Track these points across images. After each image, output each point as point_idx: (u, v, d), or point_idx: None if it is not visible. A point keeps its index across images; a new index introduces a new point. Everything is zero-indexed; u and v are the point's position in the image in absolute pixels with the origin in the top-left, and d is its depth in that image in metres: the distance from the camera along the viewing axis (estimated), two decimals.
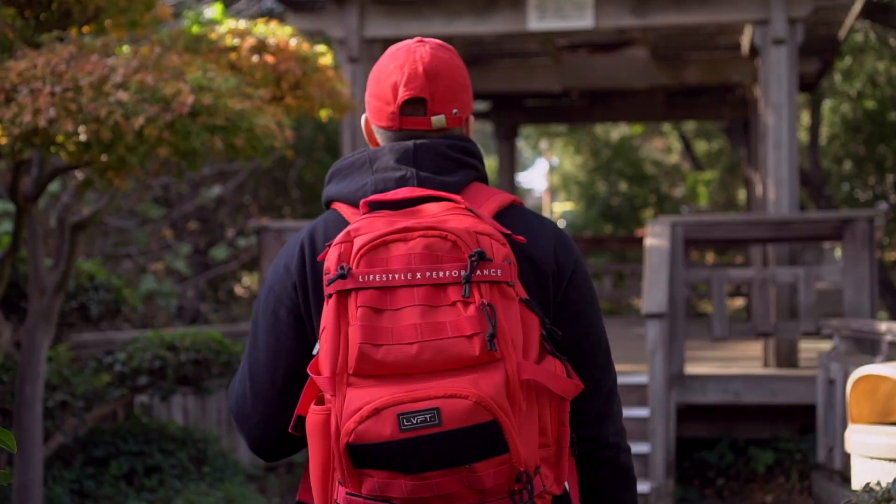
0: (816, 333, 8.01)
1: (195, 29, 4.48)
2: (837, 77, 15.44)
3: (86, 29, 4.50)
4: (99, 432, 5.96)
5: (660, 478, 7.30)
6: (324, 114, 4.90)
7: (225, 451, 6.26)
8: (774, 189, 8.52)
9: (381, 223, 1.66)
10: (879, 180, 15.06)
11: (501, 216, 1.79)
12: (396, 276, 1.62)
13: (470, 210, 1.70)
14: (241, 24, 4.64)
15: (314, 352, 1.71)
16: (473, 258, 1.62)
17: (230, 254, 11.58)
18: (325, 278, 1.64)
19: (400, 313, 1.60)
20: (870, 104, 14.57)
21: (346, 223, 1.77)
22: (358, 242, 1.64)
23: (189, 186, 12.55)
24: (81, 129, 3.65)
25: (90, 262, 6.08)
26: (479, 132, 25.10)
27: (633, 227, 19.98)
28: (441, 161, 1.79)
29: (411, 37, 1.87)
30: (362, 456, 1.57)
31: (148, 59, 3.80)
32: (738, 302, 16.10)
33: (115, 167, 3.81)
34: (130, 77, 3.66)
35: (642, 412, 7.63)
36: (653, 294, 7.40)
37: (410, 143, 1.79)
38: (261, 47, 4.50)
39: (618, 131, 22.90)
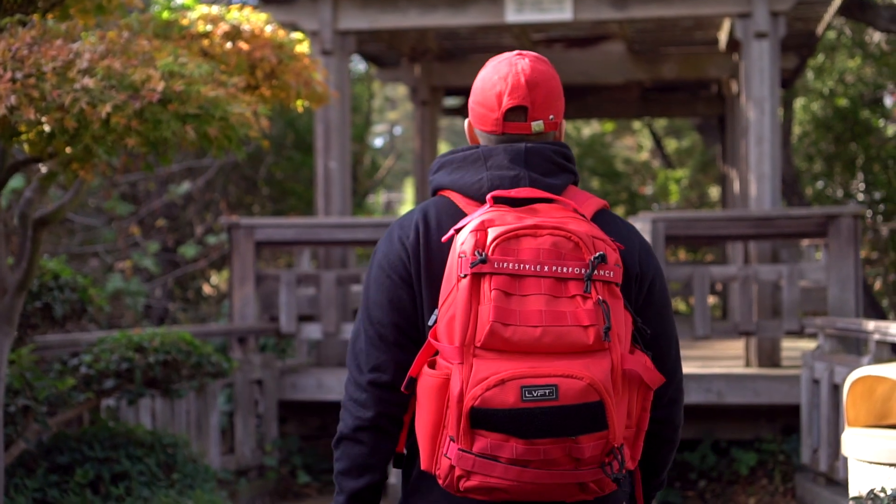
0: (800, 332, 7.87)
1: (165, 14, 4.25)
2: (810, 75, 15.36)
3: (50, 16, 4.27)
4: (64, 438, 5.71)
5: None
6: (300, 104, 4.68)
7: (195, 455, 6.03)
8: (756, 185, 8.37)
9: (511, 217, 1.90)
10: (850, 179, 15.00)
11: (597, 219, 2.03)
12: (527, 266, 1.85)
13: (581, 214, 1.94)
14: (214, 9, 4.41)
15: (430, 322, 1.93)
16: (595, 260, 1.86)
17: (199, 252, 11.32)
18: (462, 262, 1.86)
19: (527, 299, 1.84)
20: (842, 102, 14.51)
21: (460, 210, 2.00)
22: (493, 233, 1.87)
23: (157, 183, 12.28)
24: (44, 117, 3.41)
25: (55, 261, 5.82)
26: (449, 129, 24.91)
27: None
28: (547, 164, 2.02)
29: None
30: (483, 418, 1.81)
31: (115, 44, 3.57)
32: (711, 300, 16.00)
33: (80, 158, 3.57)
34: (97, 63, 3.43)
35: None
36: None
37: (522, 145, 2.01)
38: (234, 34, 4.28)
39: (589, 129, 22.80)
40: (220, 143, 3.60)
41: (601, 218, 2.04)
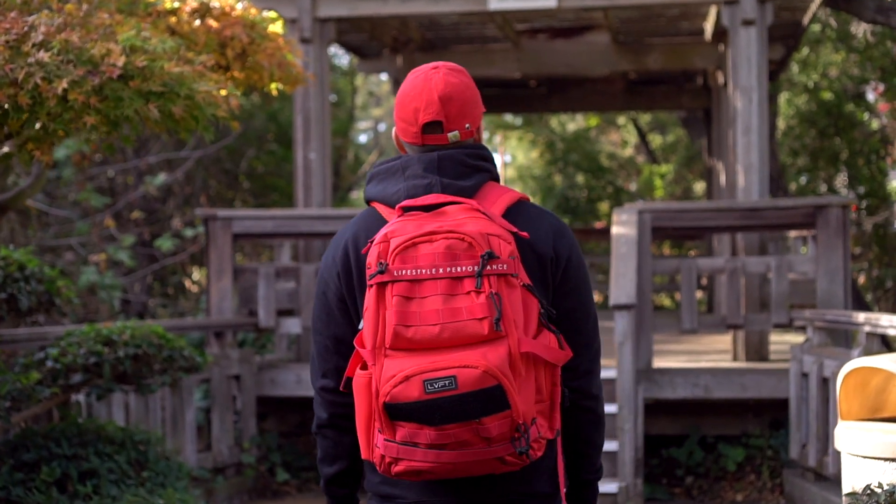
0: (788, 325, 7.73)
1: None
2: (794, 69, 15.24)
3: None
4: (31, 434, 5.51)
5: (628, 477, 6.98)
6: (274, 87, 4.50)
7: (168, 452, 5.84)
8: (743, 176, 8.22)
9: (411, 226, 2.07)
10: (834, 173, 14.89)
11: (509, 213, 2.18)
12: (423, 270, 2.04)
13: (483, 213, 2.10)
14: None
15: (360, 327, 2.12)
16: (484, 257, 2.03)
17: (176, 245, 11.10)
18: (368, 272, 2.07)
19: (426, 300, 2.03)
20: (827, 95, 14.39)
21: (384, 220, 2.18)
22: (393, 243, 2.06)
23: (135, 176, 12.07)
24: None
25: (21, 251, 5.62)
26: None
27: (589, 220, 19.72)
28: (460, 168, 2.19)
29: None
30: (395, 412, 2.01)
31: (74, 17, 3.37)
32: (697, 295, 15.85)
33: (35, 138, 3.38)
34: (53, 36, 3.23)
35: (610, 408, 7.29)
36: (621, 284, 7.07)
37: (435, 154, 2.19)
38: (204, 11, 4.08)
39: (573, 124, 22.63)
40: (187, 123, 3.41)
41: (514, 210, 2.20)
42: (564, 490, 2.29)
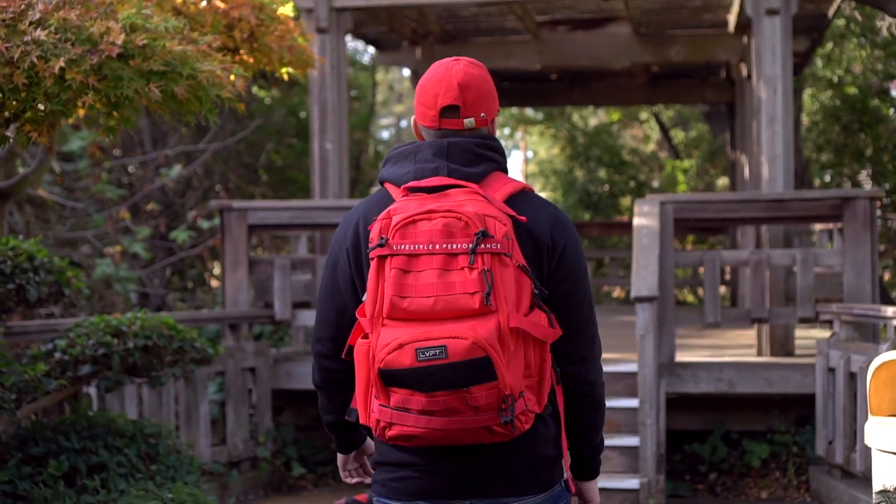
0: (814, 319, 7.56)
1: None
2: (818, 63, 15.04)
3: None
4: (40, 428, 5.41)
5: (650, 473, 6.84)
6: (284, 72, 4.37)
7: (180, 446, 5.73)
8: (768, 167, 8.05)
9: (413, 205, 2.20)
10: (858, 169, 14.68)
11: (512, 200, 2.30)
12: (421, 246, 2.16)
13: (483, 196, 2.22)
14: None
15: (363, 299, 2.24)
16: (479, 235, 2.15)
17: (192, 237, 11.01)
18: (370, 245, 2.20)
19: (421, 274, 2.15)
20: (851, 90, 14.18)
21: (391, 200, 2.30)
22: (395, 220, 2.18)
23: (153, 169, 12.00)
24: None
25: (31, 242, 5.53)
26: None
27: (611, 215, 19.54)
28: (468, 156, 2.31)
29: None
30: (389, 378, 2.14)
31: None
32: (721, 290, 15.65)
33: (33, 119, 3.27)
34: (51, 14, 3.12)
35: (631, 402, 7.16)
36: (643, 276, 6.92)
37: (445, 141, 2.31)
38: None
39: (595, 119, 22.43)
40: (190, 105, 3.29)
41: (517, 197, 2.32)
42: (569, 461, 2.44)
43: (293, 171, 14.40)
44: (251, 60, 4.26)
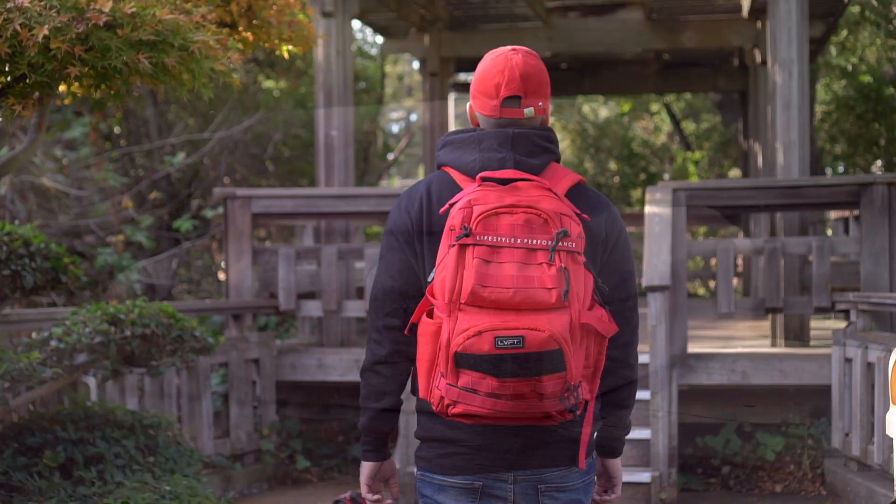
0: (830, 309, 7.39)
1: None
2: (832, 51, 14.84)
3: None
4: (37, 417, 5.29)
5: (662, 466, 6.68)
6: (285, 49, 4.22)
7: (180, 438, 5.59)
8: (783, 153, 7.88)
9: (493, 197, 2.30)
10: (871, 160, 14.49)
11: (571, 194, 2.41)
12: (503, 238, 2.26)
13: (553, 192, 2.33)
14: None
15: (429, 279, 2.34)
16: (559, 234, 2.26)
17: (196, 226, 10.87)
18: (452, 234, 2.27)
19: (502, 266, 2.25)
20: (866, 79, 13.98)
21: (456, 185, 2.41)
22: (476, 210, 2.28)
23: (158, 158, 11.86)
24: None
25: (27, 227, 5.39)
26: (463, 100, 24.38)
27: (622, 207, 19.36)
28: (531, 147, 2.41)
29: None
30: (464, 361, 2.24)
31: None
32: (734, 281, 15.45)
33: (17, 92, 3.12)
34: None
35: (643, 395, 6.99)
36: (654, 265, 6.76)
37: (510, 130, 2.41)
38: None
39: (606, 109, 22.25)
40: (182, 78, 3.13)
41: (575, 192, 2.43)
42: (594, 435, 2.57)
43: (301, 163, 14.26)
44: (251, 37, 4.10)
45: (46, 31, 2.87)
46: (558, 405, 2.27)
